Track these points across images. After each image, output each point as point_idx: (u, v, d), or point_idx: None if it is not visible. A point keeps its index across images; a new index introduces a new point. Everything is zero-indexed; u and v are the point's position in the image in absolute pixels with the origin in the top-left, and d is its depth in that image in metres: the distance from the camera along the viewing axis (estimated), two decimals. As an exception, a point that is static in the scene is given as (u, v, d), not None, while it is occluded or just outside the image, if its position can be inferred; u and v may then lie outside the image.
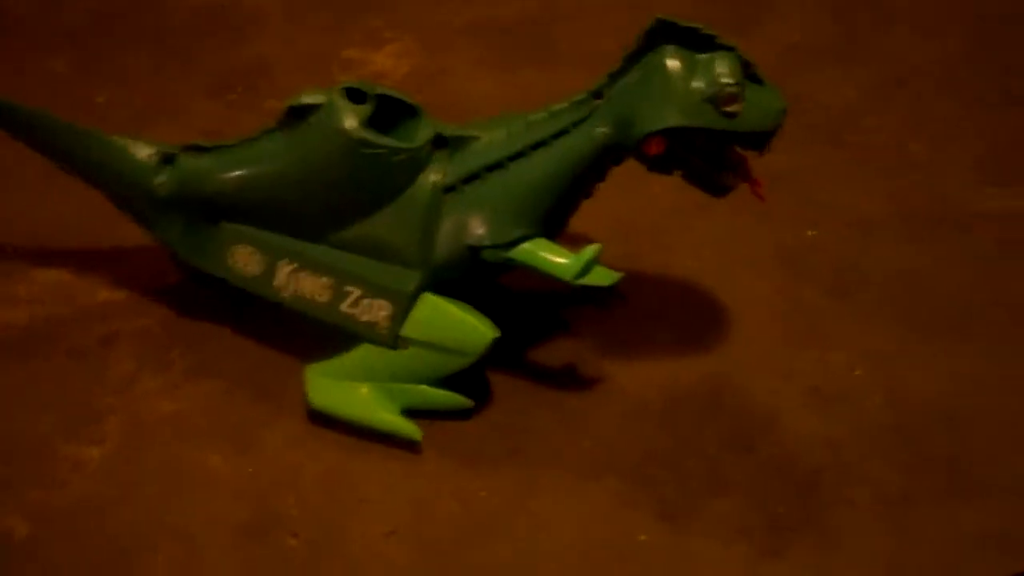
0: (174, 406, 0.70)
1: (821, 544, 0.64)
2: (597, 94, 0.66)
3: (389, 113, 0.69)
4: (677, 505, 0.66)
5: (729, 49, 0.64)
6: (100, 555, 0.62)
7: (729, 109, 0.63)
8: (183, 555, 0.62)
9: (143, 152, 0.71)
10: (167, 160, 0.71)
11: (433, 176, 0.67)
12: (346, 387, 0.68)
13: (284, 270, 0.69)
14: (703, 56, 0.64)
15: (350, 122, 0.66)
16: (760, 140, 0.65)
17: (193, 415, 0.70)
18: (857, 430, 0.71)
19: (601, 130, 0.65)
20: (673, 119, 0.63)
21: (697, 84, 0.63)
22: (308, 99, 0.67)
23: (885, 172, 0.93)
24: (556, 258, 0.66)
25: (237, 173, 0.69)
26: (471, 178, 0.67)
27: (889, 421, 0.72)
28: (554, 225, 0.69)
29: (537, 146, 0.66)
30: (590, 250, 0.65)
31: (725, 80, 0.63)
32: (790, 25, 1.12)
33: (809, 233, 0.85)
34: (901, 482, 0.68)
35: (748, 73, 0.64)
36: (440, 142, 0.68)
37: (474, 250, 0.67)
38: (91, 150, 0.71)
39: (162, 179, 0.70)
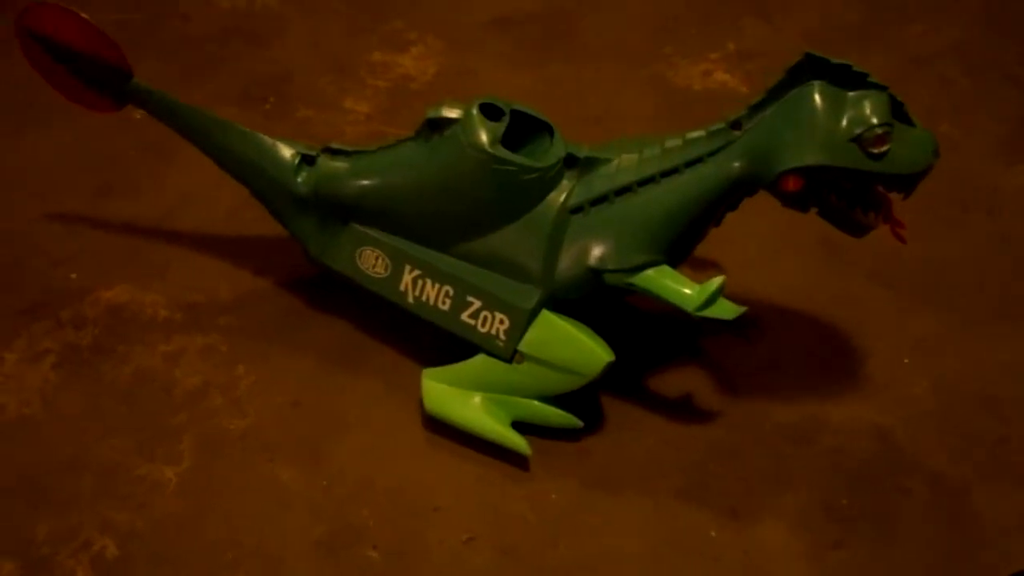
0: (243, 422, 0.72)
1: (881, 533, 0.66)
2: (735, 124, 0.65)
3: (523, 129, 0.69)
4: (742, 500, 0.68)
5: (881, 88, 0.62)
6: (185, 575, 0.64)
7: (876, 150, 0.61)
8: (265, 573, 0.64)
9: (286, 152, 0.73)
10: (308, 161, 0.73)
11: (561, 196, 0.67)
12: (460, 395, 0.69)
13: (409, 275, 0.70)
14: (852, 94, 0.62)
15: (485, 138, 0.66)
16: (907, 183, 0.63)
17: (262, 430, 0.71)
18: (906, 418, 0.73)
19: (737, 163, 0.65)
20: (814, 157, 0.62)
21: (844, 123, 0.62)
22: (446, 112, 0.68)
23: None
24: (680, 288, 0.65)
25: (372, 178, 0.71)
26: (599, 200, 0.67)
27: (937, 408, 0.74)
28: (679, 253, 0.68)
29: (669, 173, 0.66)
30: (715, 282, 0.64)
31: (874, 120, 0.61)
32: (810, 11, 1.13)
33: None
34: (952, 468, 0.70)
35: (899, 113, 0.63)
36: (571, 162, 0.68)
37: (596, 273, 0.67)
38: (239, 146, 0.74)
39: (302, 178, 0.72)
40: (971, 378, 0.76)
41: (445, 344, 0.73)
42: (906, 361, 0.77)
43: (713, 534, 0.66)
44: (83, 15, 0.72)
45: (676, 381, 0.75)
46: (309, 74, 1.03)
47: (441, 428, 0.71)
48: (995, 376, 0.76)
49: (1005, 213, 0.89)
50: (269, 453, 0.70)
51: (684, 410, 0.73)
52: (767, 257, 0.84)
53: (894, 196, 0.65)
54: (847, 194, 0.65)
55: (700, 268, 0.81)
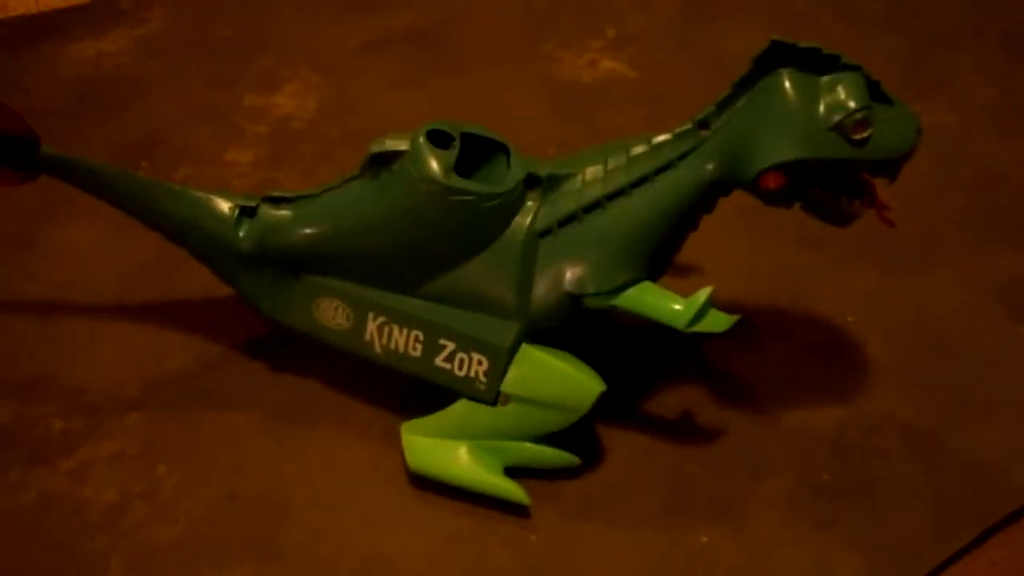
0: (175, 529, 0.64)
1: (869, 500, 0.64)
2: (703, 124, 0.60)
3: (475, 152, 0.63)
4: (725, 497, 0.65)
5: (854, 69, 0.58)
6: None
7: (858, 136, 0.57)
8: None
9: (224, 205, 0.66)
10: (248, 213, 0.66)
11: (527, 220, 0.62)
12: (445, 446, 0.63)
13: (373, 323, 0.64)
14: (825, 79, 0.58)
15: (436, 169, 0.60)
16: (892, 166, 0.59)
17: (199, 535, 0.63)
18: (863, 378, 0.72)
19: (710, 164, 0.60)
20: (794, 151, 0.57)
21: (820, 111, 0.57)
22: (391, 145, 0.62)
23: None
24: (666, 304, 0.60)
25: (320, 224, 0.64)
26: (568, 220, 0.62)
27: (891, 361, 0.73)
28: (659, 266, 0.64)
29: (638, 183, 0.61)
30: (702, 294, 0.59)
31: (852, 104, 0.57)
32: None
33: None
34: (920, 419, 0.69)
35: (876, 93, 0.59)
36: (532, 182, 0.63)
37: (575, 298, 0.62)
38: (171, 205, 0.67)
39: (243, 232, 0.66)
40: (918, 326, 0.76)
41: (382, 397, 0.67)
42: (851, 319, 0.76)
43: (705, 539, 0.63)
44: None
45: (638, 390, 0.71)
46: (181, 131, 0.95)
47: (396, 488, 0.65)
48: (941, 320, 0.77)
49: (916, 156, 0.89)
50: (213, 558, 0.62)
51: (645, 416, 0.70)
52: (692, 240, 0.82)
53: (878, 180, 0.62)
54: (831, 184, 0.61)
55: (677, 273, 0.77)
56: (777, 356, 0.74)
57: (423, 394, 0.70)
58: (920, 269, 0.80)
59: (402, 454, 0.67)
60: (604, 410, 0.64)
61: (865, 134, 0.57)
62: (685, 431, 0.69)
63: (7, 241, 0.83)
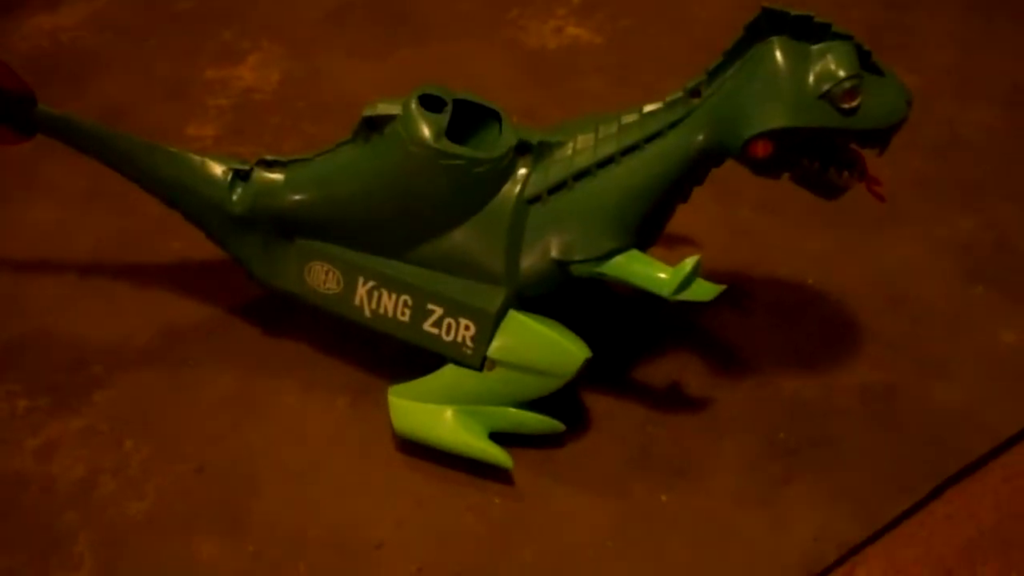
0: (144, 504, 0.64)
1: (824, 458, 0.66)
2: (694, 92, 0.60)
3: (468, 118, 0.63)
4: (684, 457, 0.66)
5: (846, 38, 0.58)
6: None
7: (847, 105, 0.57)
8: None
9: (218, 169, 0.67)
10: (242, 176, 0.67)
11: (517, 187, 0.62)
12: (431, 410, 0.64)
13: (363, 288, 0.65)
14: (816, 47, 0.57)
15: (427, 133, 0.61)
16: (882, 137, 0.59)
17: (168, 508, 0.64)
18: (822, 337, 0.73)
19: (700, 133, 0.60)
20: (783, 119, 0.57)
21: (810, 79, 0.57)
22: (383, 109, 0.62)
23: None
24: (652, 272, 0.61)
25: (312, 188, 0.65)
26: (557, 187, 0.62)
27: (848, 320, 0.74)
28: (648, 235, 0.64)
29: (628, 151, 0.61)
30: (689, 263, 0.60)
31: (842, 73, 0.56)
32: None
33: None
34: (876, 375, 0.71)
35: (867, 63, 0.58)
36: (523, 149, 0.63)
37: (562, 265, 0.62)
38: (166, 168, 0.67)
39: (237, 196, 0.66)
40: (875, 283, 0.77)
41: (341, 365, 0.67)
42: (810, 281, 0.77)
43: (664, 499, 0.64)
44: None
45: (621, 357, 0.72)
46: (142, 105, 0.94)
47: (361, 456, 0.66)
48: (897, 277, 0.78)
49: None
50: (182, 531, 0.63)
51: (604, 377, 0.71)
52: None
53: (868, 152, 0.61)
54: (820, 154, 0.61)
55: (667, 244, 0.78)
56: (737, 318, 0.75)
57: (387, 362, 0.71)
58: (879, 231, 0.82)
59: (367, 422, 0.68)
60: (590, 376, 0.65)
61: (854, 103, 0.57)
62: (646, 393, 0.70)
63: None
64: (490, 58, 1.00)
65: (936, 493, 0.64)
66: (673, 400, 0.69)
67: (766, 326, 0.74)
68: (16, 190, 0.86)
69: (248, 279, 0.70)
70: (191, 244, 0.79)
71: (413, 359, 0.67)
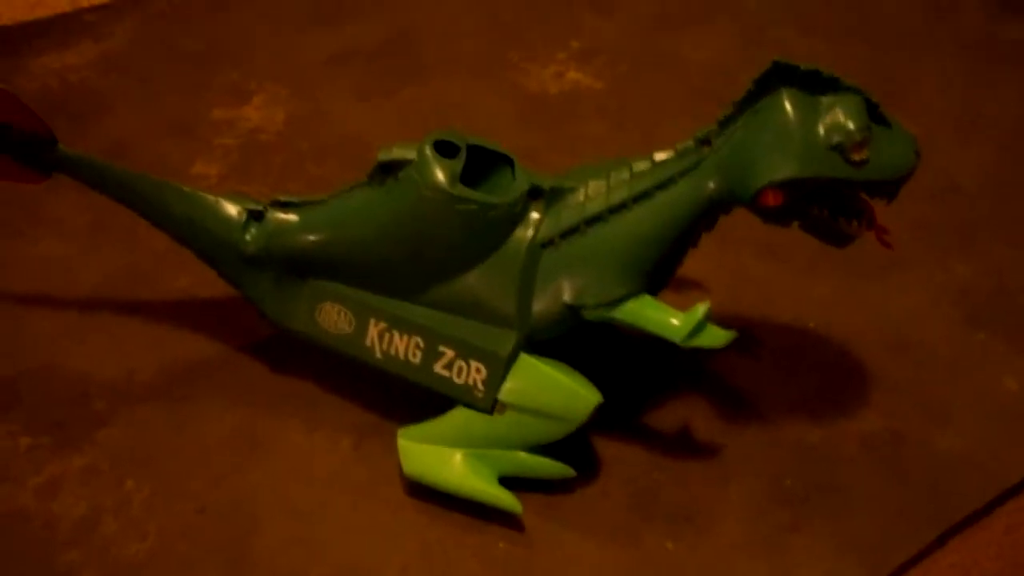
0: (145, 544, 0.64)
1: (830, 505, 0.66)
2: (705, 141, 0.61)
3: (479, 163, 0.64)
4: (690, 503, 0.66)
5: (855, 91, 0.59)
6: None
7: (857, 157, 0.58)
8: None
9: (232, 209, 0.68)
10: (255, 216, 0.68)
11: (529, 231, 0.63)
12: (440, 453, 0.64)
13: (375, 329, 0.65)
14: (825, 99, 0.59)
15: (442, 178, 0.61)
16: (891, 188, 0.60)
17: (169, 548, 0.63)
18: (825, 382, 0.74)
19: (711, 181, 0.61)
20: (793, 169, 0.58)
21: (820, 130, 0.58)
22: (398, 154, 0.63)
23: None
24: (665, 318, 0.61)
25: (326, 229, 0.66)
26: (570, 232, 0.63)
27: (851, 365, 0.75)
28: (659, 280, 0.65)
29: (640, 198, 0.62)
30: (700, 309, 0.60)
31: (851, 126, 0.58)
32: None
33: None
34: (880, 422, 0.71)
35: (875, 115, 0.59)
36: (535, 193, 0.64)
37: (574, 309, 0.63)
38: (180, 207, 0.68)
39: (250, 236, 0.67)
40: (878, 332, 0.78)
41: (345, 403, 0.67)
42: (812, 326, 0.78)
43: (670, 546, 0.64)
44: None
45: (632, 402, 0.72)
46: (147, 144, 0.94)
47: (365, 497, 0.66)
48: (900, 326, 0.78)
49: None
50: (184, 572, 0.62)
51: (608, 421, 0.70)
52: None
53: (876, 201, 0.62)
54: (829, 203, 0.62)
55: (674, 287, 0.79)
56: (741, 363, 0.75)
57: (394, 403, 0.71)
58: (879, 276, 0.82)
59: (373, 463, 0.67)
60: (600, 422, 0.65)
61: (864, 155, 0.58)
62: (652, 437, 0.70)
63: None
64: (491, 101, 1.02)
65: (940, 542, 0.64)
66: (679, 445, 0.69)
67: (770, 370, 0.74)
68: (21, 225, 0.86)
69: (259, 318, 0.70)
70: (197, 281, 0.79)
71: (420, 400, 0.67)
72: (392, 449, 0.67)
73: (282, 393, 0.72)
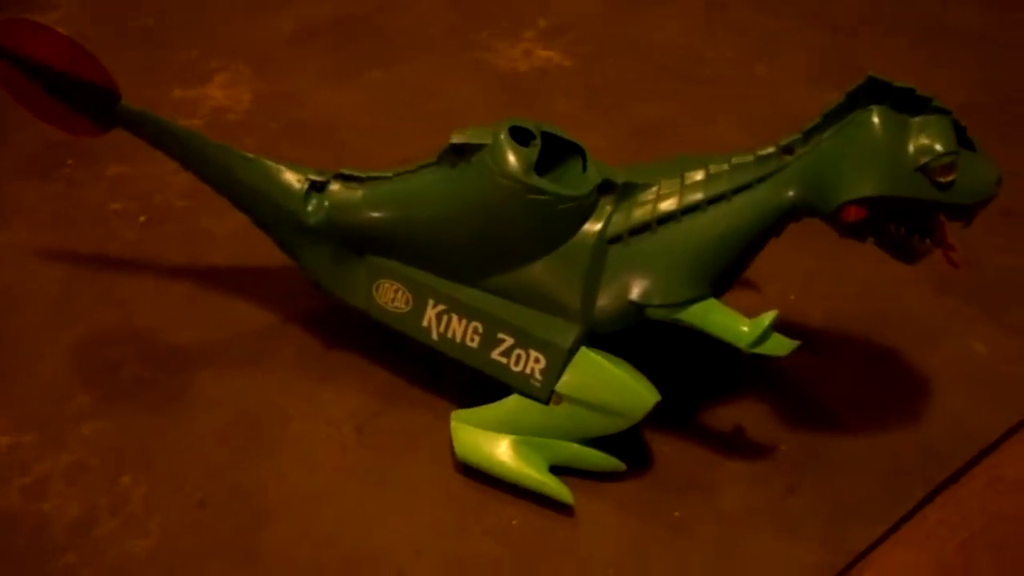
0: (148, 541, 0.61)
1: (826, 467, 0.68)
2: (788, 149, 0.60)
3: (550, 151, 0.63)
4: (695, 474, 0.67)
5: (945, 113, 0.59)
6: None
7: (943, 180, 0.58)
8: None
9: (294, 178, 0.66)
10: (318, 188, 0.66)
11: (599, 225, 0.62)
12: (492, 439, 0.63)
13: (432, 310, 0.64)
14: (916, 120, 0.58)
15: (517, 166, 0.60)
16: (970, 211, 0.59)
17: (174, 544, 0.61)
18: (811, 350, 0.75)
19: (791, 190, 0.60)
20: (879, 187, 0.58)
21: (909, 150, 0.58)
22: (472, 137, 0.61)
23: (738, 97, 0.97)
24: (732, 324, 0.61)
25: (390, 207, 0.64)
26: (640, 229, 0.62)
27: (834, 335, 0.77)
28: (723, 284, 0.64)
29: (715, 200, 0.61)
30: (767, 317, 0.60)
31: (940, 148, 0.58)
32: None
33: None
34: (863, 386, 0.73)
35: (962, 139, 0.59)
36: (607, 187, 0.62)
37: (639, 307, 0.62)
38: (242, 172, 0.66)
39: (312, 207, 0.65)
40: (858, 299, 0.80)
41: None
42: (792, 298, 0.80)
43: (677, 514, 0.65)
44: (62, 31, 0.62)
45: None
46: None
47: (372, 484, 0.65)
48: (880, 294, 0.81)
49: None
50: (191, 567, 0.60)
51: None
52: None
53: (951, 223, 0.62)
54: (906, 222, 0.62)
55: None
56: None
57: (390, 386, 0.70)
58: (855, 250, 0.84)
59: (377, 447, 0.66)
60: (653, 419, 0.64)
61: (949, 178, 0.59)
62: (655, 412, 0.71)
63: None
64: (461, 79, 1.01)
65: (927, 500, 0.67)
66: (680, 417, 0.70)
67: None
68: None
69: (314, 289, 0.69)
70: (176, 266, 0.76)
71: (422, 383, 0.66)
72: (397, 433, 0.66)
73: (276, 380, 0.71)
